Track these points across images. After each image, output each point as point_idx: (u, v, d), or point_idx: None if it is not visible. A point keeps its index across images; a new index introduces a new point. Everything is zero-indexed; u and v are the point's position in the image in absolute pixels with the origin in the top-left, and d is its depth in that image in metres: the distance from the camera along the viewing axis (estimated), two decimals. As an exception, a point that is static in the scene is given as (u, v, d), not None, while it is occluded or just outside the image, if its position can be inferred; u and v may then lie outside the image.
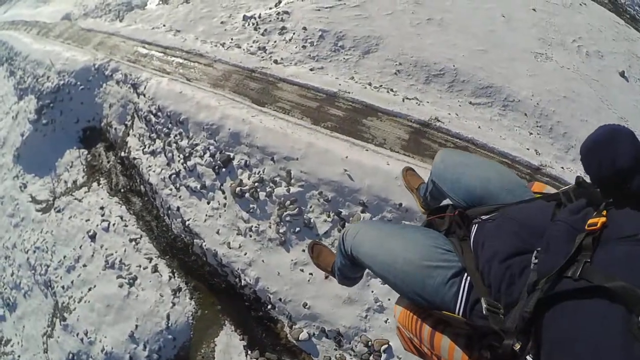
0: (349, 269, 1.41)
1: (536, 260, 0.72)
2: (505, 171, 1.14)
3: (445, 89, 4.12)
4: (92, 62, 5.97)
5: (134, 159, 4.94)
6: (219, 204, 3.95)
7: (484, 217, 0.95)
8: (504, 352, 0.66)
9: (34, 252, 5.21)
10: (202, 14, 6.03)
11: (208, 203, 4.02)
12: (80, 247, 4.73)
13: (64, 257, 4.80)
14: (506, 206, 0.94)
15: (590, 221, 0.69)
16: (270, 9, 5.65)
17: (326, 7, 5.07)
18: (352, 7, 4.98)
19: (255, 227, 3.66)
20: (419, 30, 4.62)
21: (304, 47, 4.73)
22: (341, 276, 1.51)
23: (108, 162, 5.60)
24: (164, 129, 4.67)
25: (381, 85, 4.24)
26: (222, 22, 5.66)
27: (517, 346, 0.64)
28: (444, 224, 1.08)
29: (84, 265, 4.58)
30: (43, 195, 5.86)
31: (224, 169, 4.02)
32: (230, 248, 3.69)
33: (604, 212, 0.70)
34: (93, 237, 4.72)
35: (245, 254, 3.61)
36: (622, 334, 0.52)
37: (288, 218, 3.53)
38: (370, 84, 4.25)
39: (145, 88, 5.11)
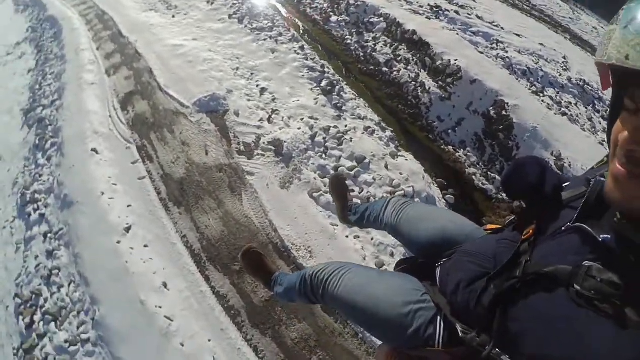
0: (299, 300, 1.36)
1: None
2: (457, 217, 1.18)
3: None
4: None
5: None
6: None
7: (443, 260, 1.01)
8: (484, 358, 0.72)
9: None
10: None
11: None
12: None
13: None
14: (460, 247, 1.00)
15: (524, 231, 0.79)
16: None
17: None
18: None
19: None
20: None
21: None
22: (283, 298, 1.49)
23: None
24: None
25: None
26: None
27: (490, 347, 0.71)
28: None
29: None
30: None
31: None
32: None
33: (534, 222, 0.78)
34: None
35: None
36: (567, 306, 0.59)
37: None
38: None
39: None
